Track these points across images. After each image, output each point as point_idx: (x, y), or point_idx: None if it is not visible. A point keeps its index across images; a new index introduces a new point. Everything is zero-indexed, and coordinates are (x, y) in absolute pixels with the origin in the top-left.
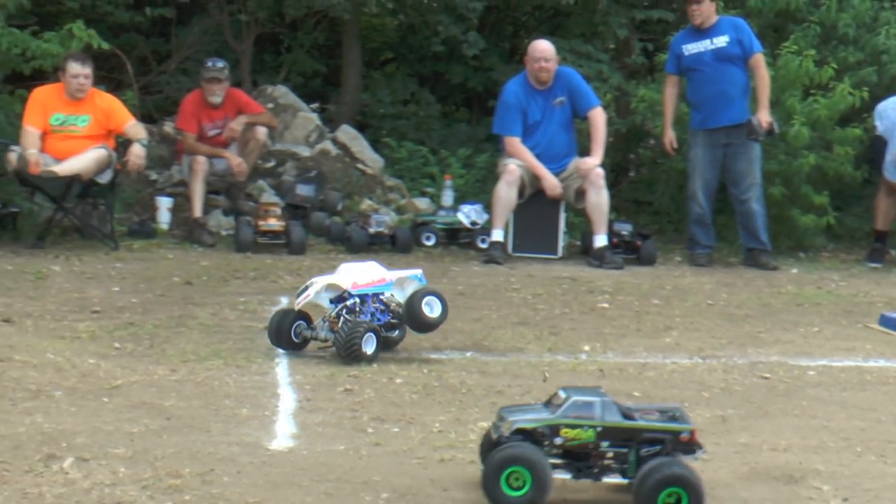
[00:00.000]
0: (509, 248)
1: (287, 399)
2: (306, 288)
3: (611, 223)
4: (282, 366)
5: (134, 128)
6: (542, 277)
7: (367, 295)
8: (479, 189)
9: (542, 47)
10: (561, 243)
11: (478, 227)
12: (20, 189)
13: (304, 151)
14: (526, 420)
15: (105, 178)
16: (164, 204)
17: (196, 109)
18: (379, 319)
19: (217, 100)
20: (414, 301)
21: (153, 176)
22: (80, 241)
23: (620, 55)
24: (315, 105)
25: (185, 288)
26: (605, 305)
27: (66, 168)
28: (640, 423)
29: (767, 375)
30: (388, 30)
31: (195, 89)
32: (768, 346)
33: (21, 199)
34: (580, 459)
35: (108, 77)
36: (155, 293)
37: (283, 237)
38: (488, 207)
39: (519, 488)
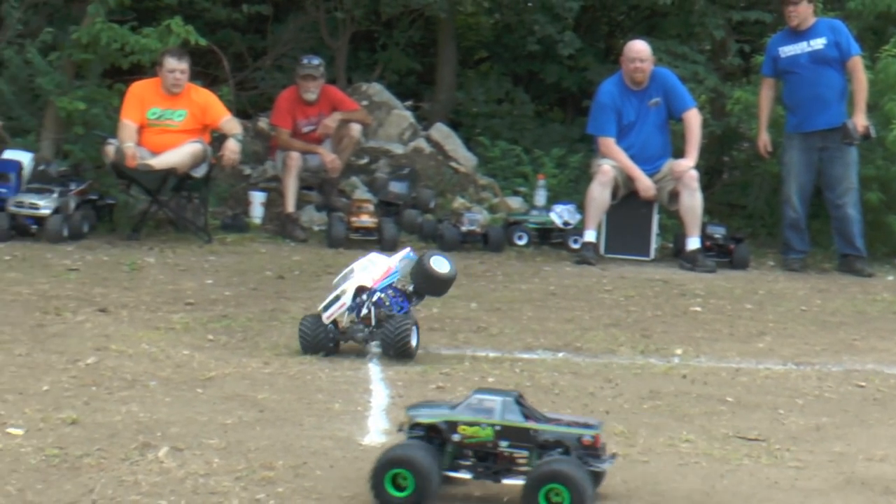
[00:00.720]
0: (601, 249)
1: (379, 395)
2: (337, 298)
3: (704, 226)
4: (374, 361)
5: (229, 123)
6: (634, 279)
7: (385, 287)
8: (572, 189)
9: (638, 48)
10: (653, 245)
11: (570, 227)
12: (117, 181)
13: (398, 149)
14: (426, 415)
15: (200, 173)
16: (258, 199)
17: (291, 106)
18: (403, 307)
19: (312, 96)
20: (423, 264)
21: (247, 171)
22: (174, 234)
23: (716, 56)
24: (409, 103)
25: (278, 282)
26: (698, 309)
27: (162, 162)
28: (538, 425)
29: (863, 384)
30: (483, 28)
31: (290, 86)
32: (863, 353)
33: (117, 192)
34: (483, 459)
35: (205, 73)
36: (248, 287)
37: (376, 234)
38: (581, 208)
39: (403, 489)
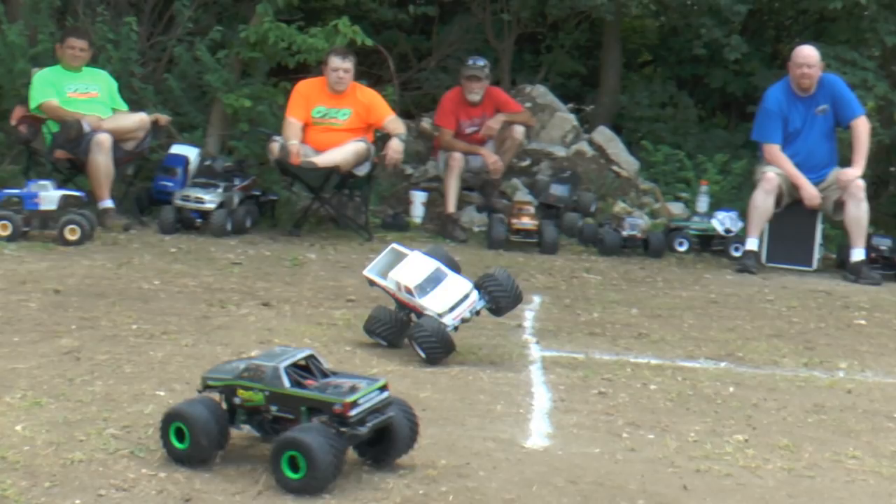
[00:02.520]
0: (763, 257)
1: (541, 398)
2: (465, 297)
3: (869, 237)
4: (536, 365)
5: (393, 122)
6: (797, 290)
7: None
8: (735, 196)
9: (806, 53)
10: (816, 255)
11: (732, 234)
12: (280, 178)
13: (560, 151)
14: (212, 378)
15: (363, 171)
16: (419, 198)
17: (455, 106)
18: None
19: (476, 98)
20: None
21: (409, 170)
22: (334, 231)
23: (887, 63)
24: (570, 105)
25: None
26: (863, 322)
27: (325, 160)
28: (299, 392)
29: None
30: (648, 31)
31: (455, 87)
32: None
33: (280, 188)
34: (275, 421)
35: (369, 73)
36: None
37: (536, 236)
38: (743, 215)
39: (183, 441)
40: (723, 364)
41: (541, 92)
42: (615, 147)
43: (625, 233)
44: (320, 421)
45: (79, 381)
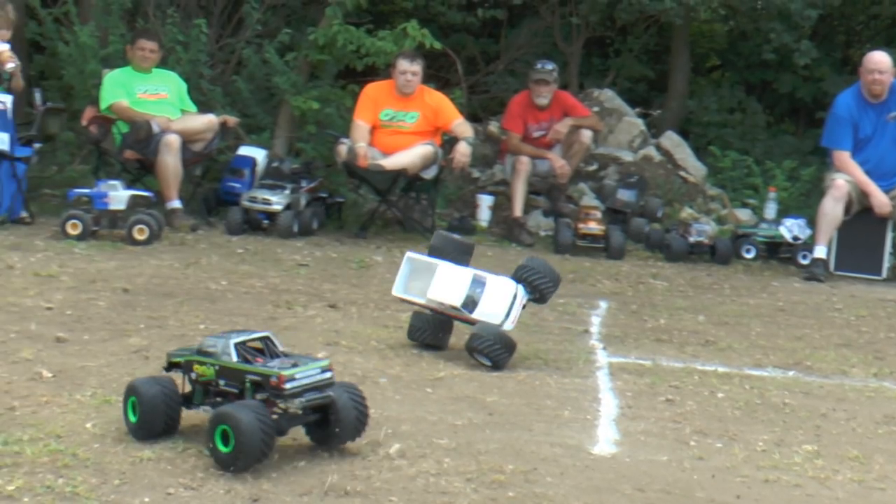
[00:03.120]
0: (831, 265)
1: (608, 404)
2: (515, 297)
3: None
4: (603, 371)
5: (461, 126)
6: (866, 299)
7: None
8: (803, 203)
9: (877, 59)
10: (886, 264)
11: (800, 242)
12: (347, 180)
13: (627, 156)
14: (176, 353)
15: (430, 174)
16: (485, 202)
17: (522, 110)
18: None
19: (544, 101)
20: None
21: (476, 174)
22: (401, 234)
23: None
24: (638, 110)
25: None
26: None
27: (393, 162)
28: (242, 366)
29: None
30: (717, 35)
31: (523, 90)
32: None
33: (346, 190)
34: (218, 394)
35: (437, 76)
36: None
37: (603, 241)
38: (812, 223)
39: (136, 415)
40: (791, 373)
41: (608, 96)
42: (682, 152)
43: (692, 239)
44: (260, 399)
45: None
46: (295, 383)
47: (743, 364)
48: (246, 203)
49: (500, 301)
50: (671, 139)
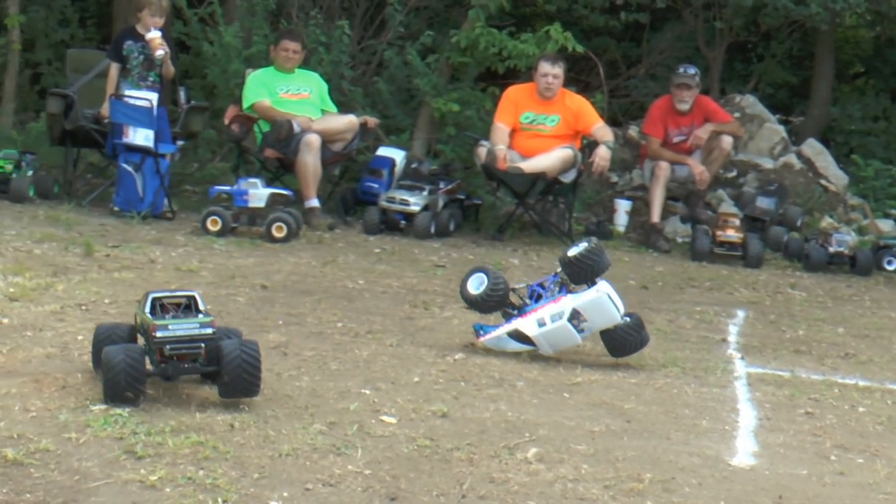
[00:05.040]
0: None
1: (747, 415)
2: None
3: None
4: (741, 381)
5: (601, 130)
6: None
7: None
8: None
9: None
10: None
11: None
12: (485, 183)
13: (767, 163)
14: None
15: (568, 178)
16: (623, 207)
17: (663, 115)
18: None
19: (685, 106)
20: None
21: (614, 178)
22: (537, 237)
23: None
24: (779, 116)
25: (641, 292)
26: None
27: (532, 165)
28: (143, 315)
29: None
30: (862, 42)
31: (664, 95)
32: None
33: (484, 192)
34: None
35: (577, 79)
36: None
37: (740, 249)
38: None
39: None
40: None
41: (750, 102)
42: (824, 160)
43: (831, 249)
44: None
45: (286, 375)
46: (167, 332)
47: (884, 378)
48: (384, 203)
49: (602, 314)
50: (812, 147)
